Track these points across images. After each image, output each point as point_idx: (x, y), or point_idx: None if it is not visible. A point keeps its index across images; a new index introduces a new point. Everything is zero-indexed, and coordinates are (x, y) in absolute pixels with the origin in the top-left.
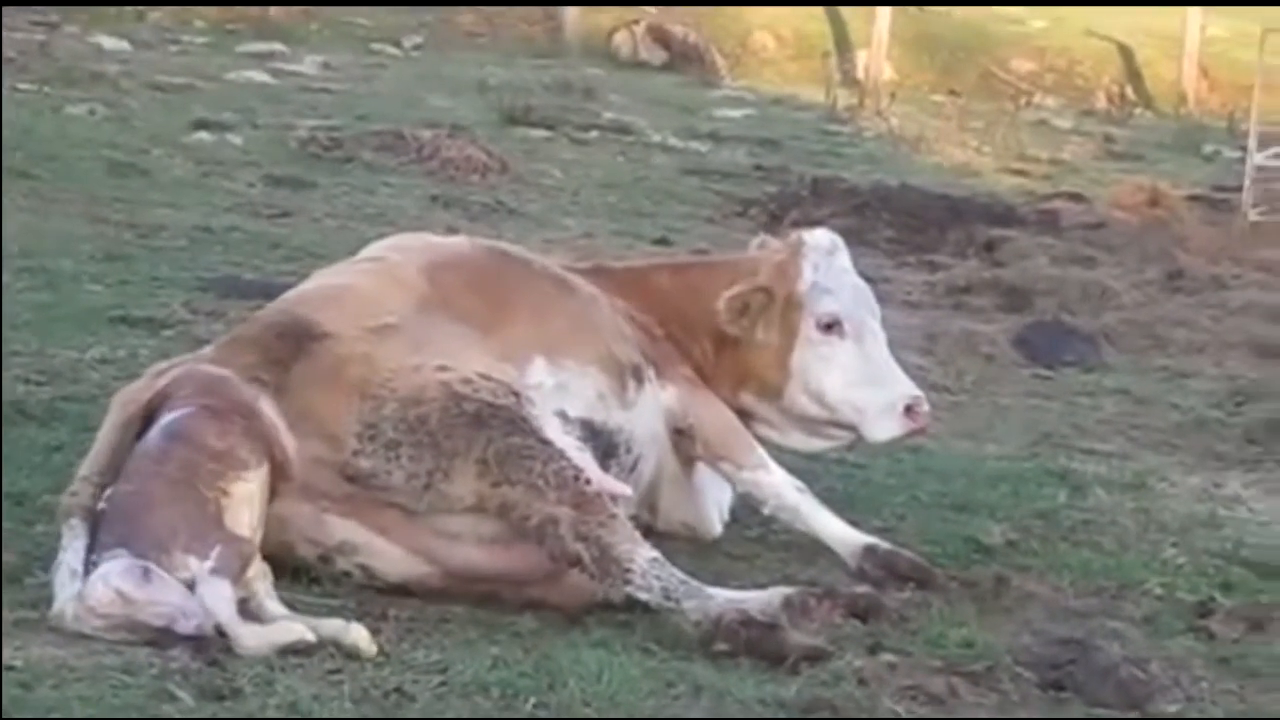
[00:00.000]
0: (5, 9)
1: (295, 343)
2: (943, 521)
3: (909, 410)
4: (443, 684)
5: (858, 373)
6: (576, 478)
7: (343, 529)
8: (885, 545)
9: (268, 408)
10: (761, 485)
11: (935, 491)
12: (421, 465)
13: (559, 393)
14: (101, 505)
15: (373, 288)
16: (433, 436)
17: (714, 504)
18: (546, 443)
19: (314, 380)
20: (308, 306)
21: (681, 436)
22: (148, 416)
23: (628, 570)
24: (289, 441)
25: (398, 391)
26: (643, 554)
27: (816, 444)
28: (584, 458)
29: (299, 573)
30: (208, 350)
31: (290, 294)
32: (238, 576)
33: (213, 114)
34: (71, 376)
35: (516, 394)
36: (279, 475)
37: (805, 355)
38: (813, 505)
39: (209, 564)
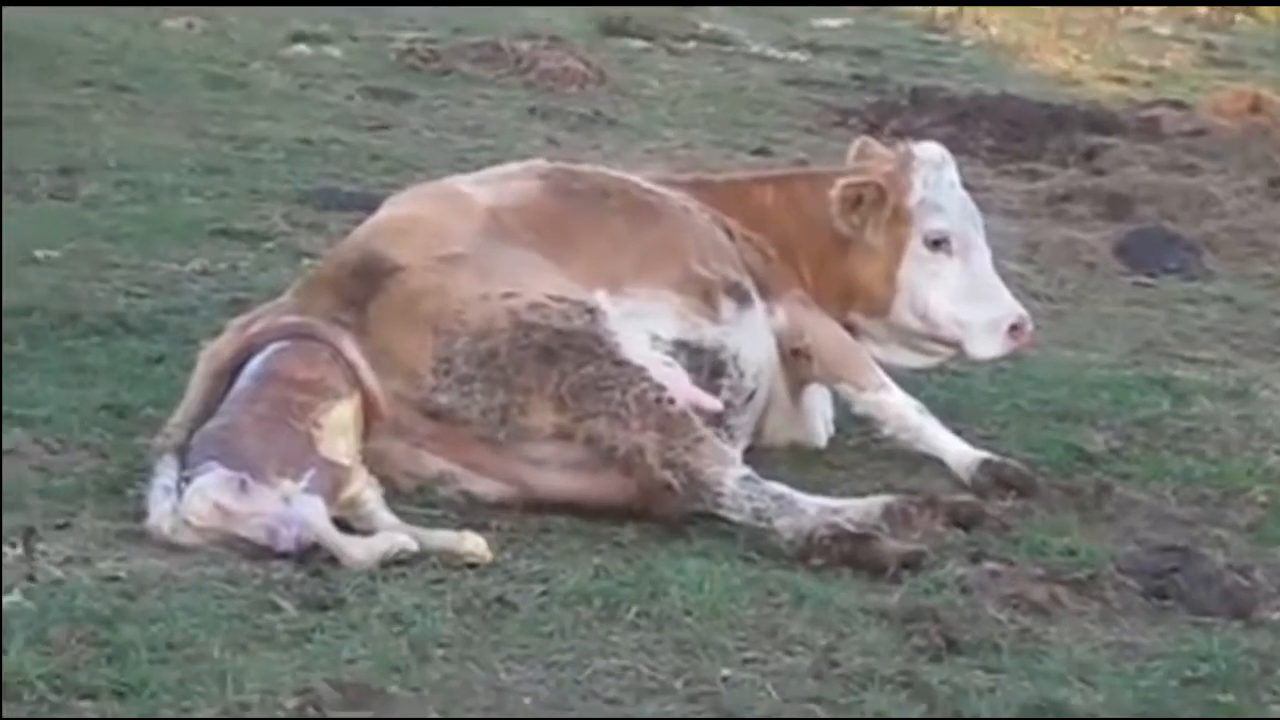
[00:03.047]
0: None
1: (369, 280)
2: (1045, 430)
3: (1014, 329)
4: (544, 594)
5: (963, 290)
6: (659, 400)
7: (436, 462)
8: (996, 458)
9: (350, 347)
10: (884, 407)
11: (1037, 400)
12: (495, 399)
13: (632, 319)
14: (192, 442)
15: (440, 217)
16: (503, 371)
17: (820, 417)
18: (624, 364)
19: (390, 317)
20: (380, 240)
21: (797, 357)
22: (236, 368)
23: (718, 493)
24: (372, 380)
25: (468, 324)
26: (732, 474)
27: (920, 360)
28: (671, 373)
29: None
30: (286, 297)
31: (362, 228)
32: (331, 497)
33: (310, 26)
34: (172, 289)
35: (591, 311)
36: (370, 412)
37: (912, 270)
38: (934, 425)
39: (302, 484)
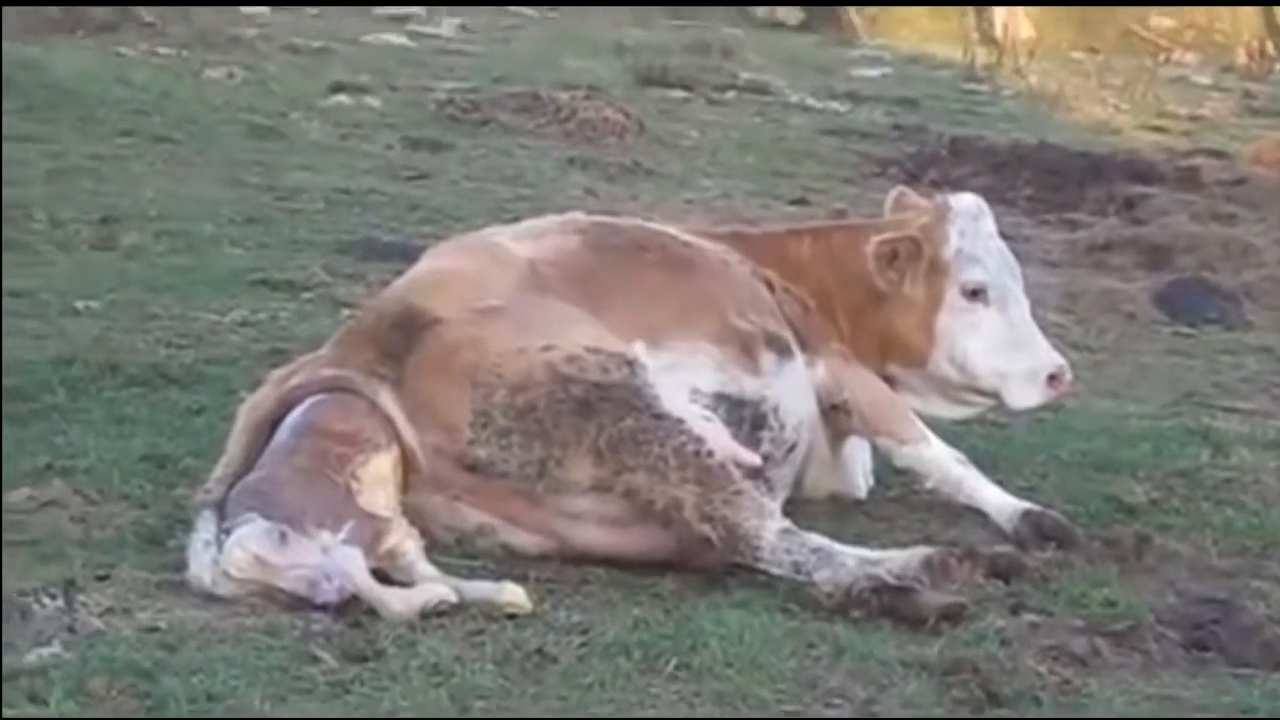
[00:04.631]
0: None
1: (407, 333)
2: (1084, 480)
3: (1052, 379)
4: (584, 645)
5: (1001, 340)
6: (698, 452)
7: (475, 515)
8: (1036, 509)
9: (388, 401)
10: (925, 460)
11: (1077, 450)
12: (533, 453)
13: (672, 371)
14: (231, 494)
15: (478, 269)
16: (541, 424)
17: (860, 469)
18: (663, 417)
19: (428, 370)
20: (418, 293)
21: (837, 412)
22: (275, 422)
23: (756, 547)
24: (410, 434)
25: (505, 377)
26: (771, 527)
27: (958, 411)
28: (710, 427)
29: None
30: (325, 349)
31: (400, 280)
32: (370, 548)
33: (350, 77)
34: (212, 340)
35: (630, 363)
36: (409, 466)
37: (950, 321)
38: (974, 477)
39: (341, 536)
